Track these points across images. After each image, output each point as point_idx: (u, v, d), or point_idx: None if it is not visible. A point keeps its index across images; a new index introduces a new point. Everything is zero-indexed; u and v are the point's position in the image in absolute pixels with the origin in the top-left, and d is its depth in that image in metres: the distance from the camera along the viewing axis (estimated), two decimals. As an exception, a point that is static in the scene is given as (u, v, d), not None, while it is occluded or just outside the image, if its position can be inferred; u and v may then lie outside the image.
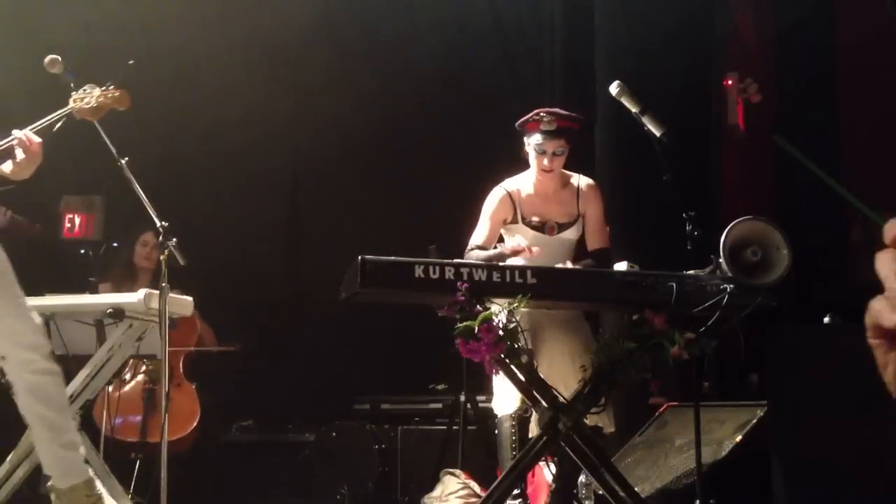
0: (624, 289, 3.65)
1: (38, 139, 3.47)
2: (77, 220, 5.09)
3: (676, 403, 4.63)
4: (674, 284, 3.59)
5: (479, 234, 4.27)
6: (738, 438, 4.20)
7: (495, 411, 4.31)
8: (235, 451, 5.84)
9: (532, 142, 4.26)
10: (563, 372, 3.98)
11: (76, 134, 3.67)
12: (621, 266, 3.78)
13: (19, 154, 3.43)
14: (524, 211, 4.32)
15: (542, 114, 4.22)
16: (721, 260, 3.59)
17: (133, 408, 5.21)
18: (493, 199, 4.32)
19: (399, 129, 6.32)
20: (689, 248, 3.79)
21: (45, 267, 5.29)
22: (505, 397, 4.17)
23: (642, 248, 4.54)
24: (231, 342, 5.73)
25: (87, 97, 3.56)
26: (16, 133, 3.46)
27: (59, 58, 3.62)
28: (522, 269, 3.58)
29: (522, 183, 4.37)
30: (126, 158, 3.66)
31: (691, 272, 3.69)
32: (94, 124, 3.62)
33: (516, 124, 4.31)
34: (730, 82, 5.32)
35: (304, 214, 6.45)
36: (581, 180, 4.39)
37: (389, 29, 6.34)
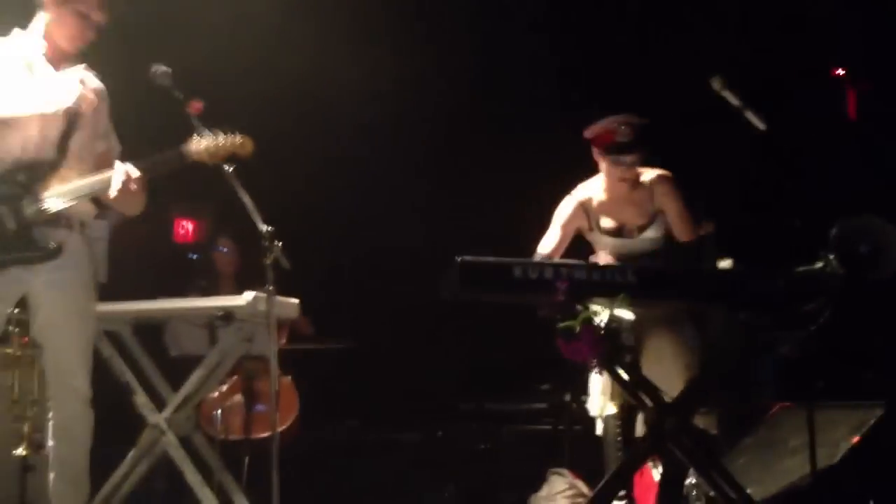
0: (730, 286, 3.57)
1: (136, 173, 3.47)
2: (188, 226, 5.25)
3: (789, 404, 4.49)
4: (782, 281, 3.49)
5: (546, 242, 4.24)
6: (855, 439, 4.05)
7: (591, 412, 4.27)
8: (342, 451, 5.94)
9: (606, 153, 4.17)
10: (667, 371, 3.91)
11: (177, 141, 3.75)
12: (726, 263, 3.70)
13: (115, 184, 3.46)
14: (598, 218, 4.26)
15: (617, 125, 4.13)
16: (831, 255, 3.47)
17: (235, 406, 5.34)
18: (564, 210, 4.27)
19: (497, 131, 6.32)
20: (798, 243, 3.67)
21: (159, 271, 5.49)
22: (606, 397, 4.13)
23: (749, 244, 4.42)
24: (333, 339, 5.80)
25: (206, 141, 3.56)
26: (117, 165, 3.49)
27: (166, 68, 3.70)
28: (623, 269, 3.54)
29: (594, 190, 4.29)
30: (232, 166, 3.73)
31: (800, 268, 3.58)
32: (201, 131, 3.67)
33: (587, 133, 4.22)
34: (840, 72, 5.11)
35: (407, 215, 6.50)
36: (651, 175, 4.27)
37: (484, 24, 6.35)
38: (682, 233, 4.22)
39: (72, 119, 3.56)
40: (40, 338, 3.61)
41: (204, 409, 5.22)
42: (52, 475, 3.60)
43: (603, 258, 3.97)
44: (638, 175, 4.27)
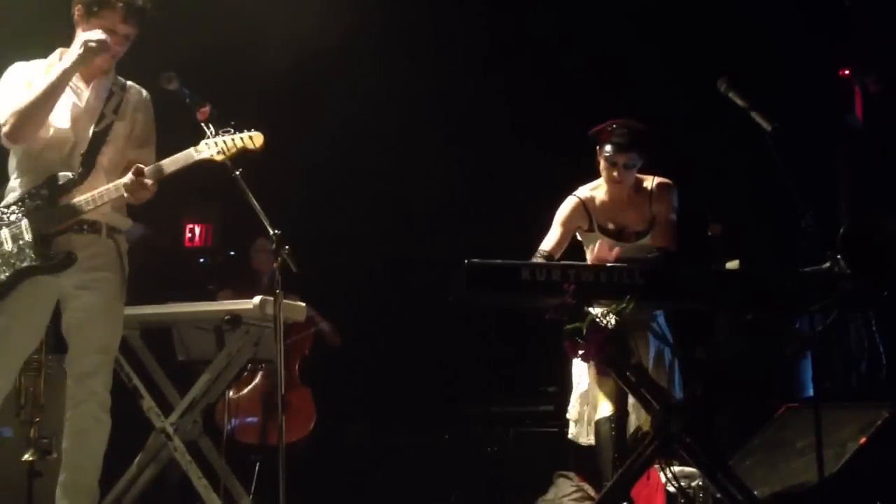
0: (737, 287, 3.57)
1: (148, 182, 3.57)
2: (196, 230, 5.27)
3: (796, 405, 4.50)
4: (790, 282, 3.50)
5: (548, 241, 4.27)
6: (863, 440, 4.04)
7: (569, 415, 4.34)
8: (349, 454, 5.95)
9: (603, 152, 4.24)
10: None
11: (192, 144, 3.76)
12: (733, 264, 3.70)
13: (129, 192, 3.58)
14: (599, 219, 4.31)
15: (613, 125, 4.20)
16: (839, 256, 3.48)
17: (251, 411, 5.36)
18: (566, 208, 4.32)
19: (503, 133, 6.33)
20: (804, 244, 3.68)
21: (168, 276, 5.50)
22: (602, 400, 4.15)
23: (755, 246, 4.43)
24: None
25: (215, 140, 3.63)
26: (123, 180, 3.58)
27: (174, 74, 3.73)
28: (630, 270, 3.55)
29: (596, 190, 4.35)
30: (240, 170, 3.75)
31: (807, 269, 3.58)
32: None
33: (590, 133, 4.29)
34: (847, 72, 5.14)
35: (415, 218, 6.51)
36: (654, 182, 4.34)
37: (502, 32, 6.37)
38: (658, 238, 4.26)
39: (100, 135, 3.67)
40: (66, 337, 3.69)
41: (223, 411, 5.21)
42: (61, 476, 3.62)
43: (605, 251, 3.97)
44: (640, 179, 4.33)
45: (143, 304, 4.46)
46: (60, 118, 3.64)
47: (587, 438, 4.30)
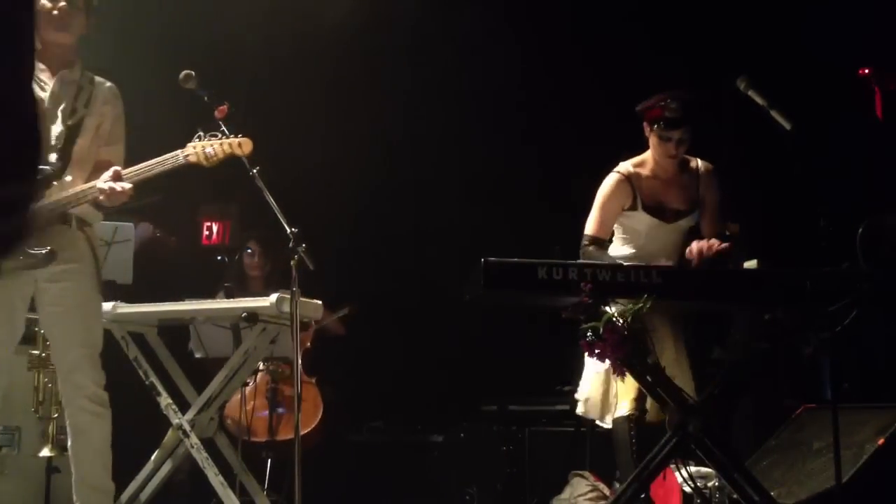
0: (755, 287, 3.56)
1: (120, 187, 3.51)
2: (214, 228, 5.28)
3: (813, 405, 4.47)
4: (808, 282, 3.48)
5: (594, 224, 4.18)
6: (881, 441, 4.02)
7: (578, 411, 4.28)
8: (365, 452, 5.95)
9: (655, 128, 4.16)
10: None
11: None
12: (751, 264, 3.68)
13: (105, 195, 3.53)
14: (643, 196, 4.21)
15: (667, 100, 4.13)
16: (858, 255, 3.46)
17: (258, 408, 5.36)
18: (610, 185, 4.20)
19: (518, 133, 6.31)
20: (823, 243, 3.66)
21: (185, 273, 5.52)
22: (621, 399, 4.13)
23: (774, 245, 4.40)
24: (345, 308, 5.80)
25: (202, 143, 3.59)
26: (100, 184, 3.53)
27: (193, 73, 3.73)
28: (647, 269, 3.53)
29: (641, 166, 4.26)
30: (257, 168, 3.76)
31: (826, 268, 3.56)
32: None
33: (638, 108, 4.21)
34: (866, 71, 5.10)
35: (432, 214, 6.50)
36: (700, 164, 4.29)
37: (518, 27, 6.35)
38: (709, 226, 4.24)
39: (73, 129, 3.63)
40: (47, 334, 3.70)
41: (228, 410, 5.24)
42: (73, 475, 3.65)
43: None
44: (685, 159, 4.27)
45: (160, 301, 4.48)
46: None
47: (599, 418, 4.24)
